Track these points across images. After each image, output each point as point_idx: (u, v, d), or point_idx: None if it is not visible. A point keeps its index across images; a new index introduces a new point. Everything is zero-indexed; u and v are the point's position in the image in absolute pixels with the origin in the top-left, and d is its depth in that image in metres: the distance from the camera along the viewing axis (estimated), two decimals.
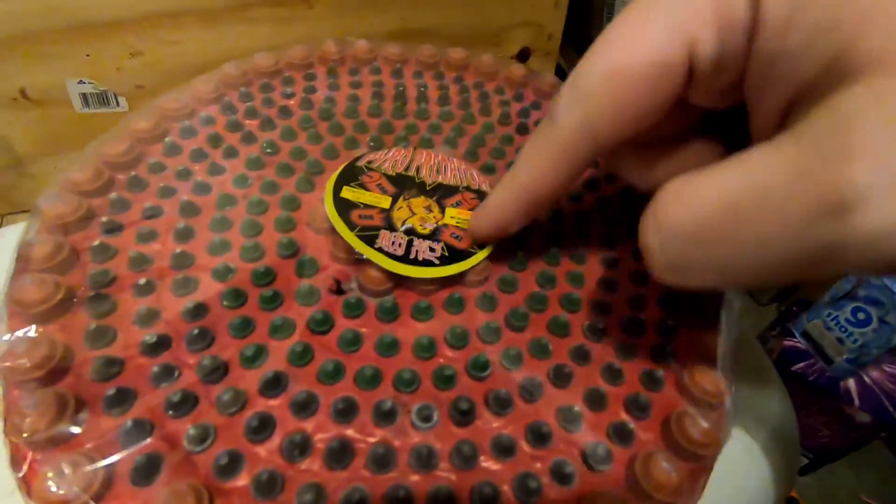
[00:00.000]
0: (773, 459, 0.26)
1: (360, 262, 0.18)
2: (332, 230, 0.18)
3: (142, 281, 0.16)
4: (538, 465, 0.14)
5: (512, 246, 0.19)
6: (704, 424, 0.15)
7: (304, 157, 0.22)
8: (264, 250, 0.18)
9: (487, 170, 0.22)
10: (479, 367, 0.16)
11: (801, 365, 0.50)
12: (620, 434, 0.15)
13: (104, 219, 0.18)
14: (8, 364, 0.13)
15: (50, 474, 0.12)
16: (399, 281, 0.18)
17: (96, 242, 0.17)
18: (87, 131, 0.41)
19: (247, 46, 0.38)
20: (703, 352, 0.17)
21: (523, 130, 0.25)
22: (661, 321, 0.18)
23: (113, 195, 0.18)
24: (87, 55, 0.40)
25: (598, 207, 0.22)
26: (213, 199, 0.19)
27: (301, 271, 0.18)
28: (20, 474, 0.12)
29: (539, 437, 0.15)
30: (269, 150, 0.21)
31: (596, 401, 0.16)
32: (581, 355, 0.17)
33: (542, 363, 0.17)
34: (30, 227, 0.16)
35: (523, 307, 0.18)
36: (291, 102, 0.24)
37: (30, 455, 0.12)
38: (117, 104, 0.42)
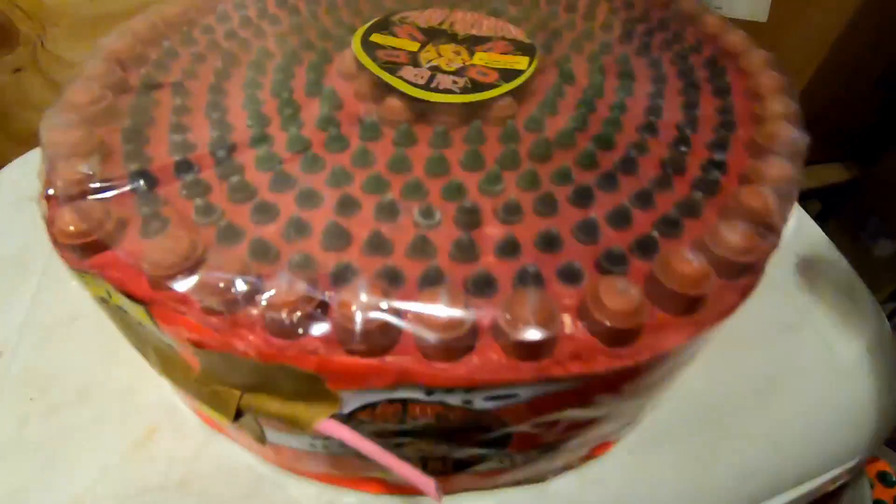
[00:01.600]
0: (868, 381, 0.22)
1: (381, 98, 0.17)
2: (359, 70, 0.18)
3: (178, 101, 0.17)
4: (543, 265, 0.13)
5: (543, 90, 0.18)
6: (743, 231, 0.13)
7: (343, 25, 0.22)
8: (292, 88, 0.18)
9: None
10: (491, 181, 0.15)
11: None
12: (644, 246, 0.13)
13: (155, 58, 0.19)
14: (55, 139, 0.15)
15: (74, 214, 0.13)
16: (420, 115, 0.17)
17: (145, 71, 0.18)
18: None
19: None
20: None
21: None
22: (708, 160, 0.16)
23: (165, 43, 0.20)
24: None
25: (645, 65, 0.20)
26: (253, 53, 0.20)
27: (324, 103, 0.18)
28: (45, 216, 0.13)
29: (548, 241, 0.13)
30: (311, 20, 0.22)
31: (621, 218, 0.14)
32: (608, 182, 0.15)
33: (564, 188, 0.15)
34: (92, 55, 0.18)
35: (550, 140, 0.16)
36: None
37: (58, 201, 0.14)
38: None
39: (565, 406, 0.13)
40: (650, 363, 0.12)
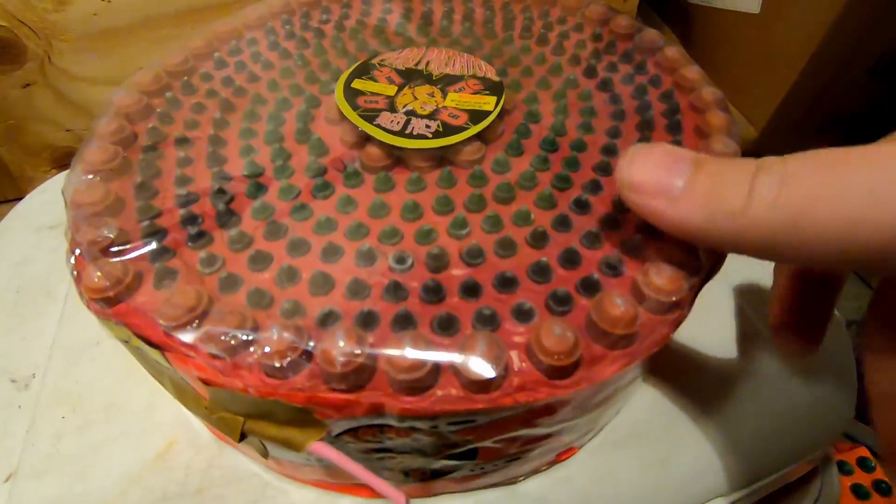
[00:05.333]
0: (827, 384, 0.24)
1: (363, 144, 0.19)
2: (342, 118, 0.20)
3: (181, 154, 0.19)
4: (499, 305, 0.15)
5: (510, 131, 0.20)
6: (669, 274, 0.15)
7: (329, 67, 0.24)
8: (283, 136, 0.20)
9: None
10: (457, 226, 0.17)
11: None
12: (587, 286, 0.15)
13: (160, 110, 0.21)
14: (77, 201, 0.17)
15: (98, 272, 0.15)
16: (397, 160, 0.19)
17: (151, 125, 0.20)
18: None
19: None
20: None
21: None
22: None
23: (168, 94, 0.22)
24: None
25: (607, 102, 0.22)
26: (248, 99, 0.22)
27: (311, 151, 0.20)
28: (74, 272, 0.16)
29: (504, 282, 0.15)
30: (299, 63, 0.24)
31: (570, 259, 0.16)
32: (562, 222, 0.17)
33: (523, 230, 0.17)
34: (104, 113, 0.20)
35: (512, 183, 0.18)
36: (326, 27, 0.26)
37: (84, 260, 0.16)
38: None
39: (519, 427, 0.15)
40: (588, 391, 0.14)
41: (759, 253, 0.12)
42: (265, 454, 0.17)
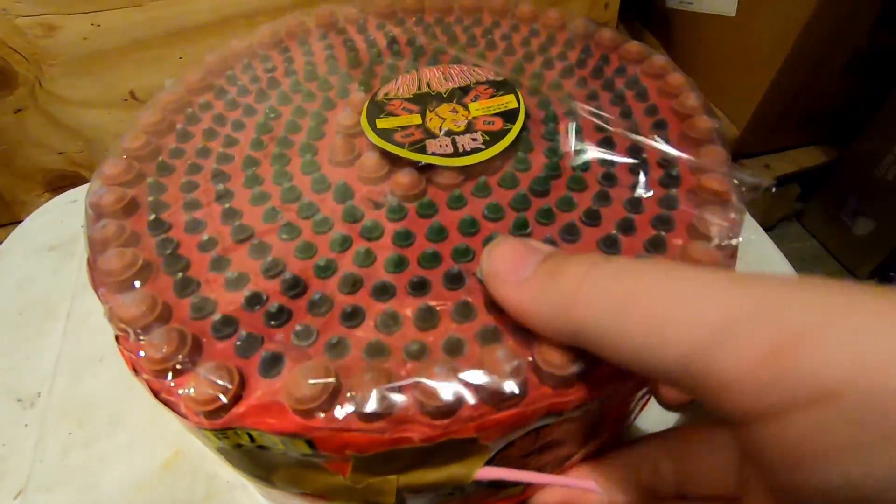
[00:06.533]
0: None
1: (387, 176, 0.19)
2: (355, 158, 0.20)
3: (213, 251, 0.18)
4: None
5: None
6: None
7: (306, 114, 0.23)
8: (300, 191, 0.20)
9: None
10: (519, 227, 0.18)
11: None
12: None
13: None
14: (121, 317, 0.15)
15: (194, 388, 0.14)
16: (428, 182, 0.19)
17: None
18: None
19: None
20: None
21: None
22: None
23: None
24: (181, 57, 0.47)
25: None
26: (239, 163, 0.21)
27: (340, 197, 0.19)
28: (163, 396, 0.14)
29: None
30: (272, 115, 0.23)
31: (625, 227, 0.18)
32: (604, 197, 0.19)
33: (570, 214, 0.19)
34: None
35: (542, 175, 0.20)
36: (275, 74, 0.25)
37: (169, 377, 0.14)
38: None
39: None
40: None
41: (589, 341, 0.12)
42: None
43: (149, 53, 0.46)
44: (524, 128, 0.22)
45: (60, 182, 0.52)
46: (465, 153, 0.19)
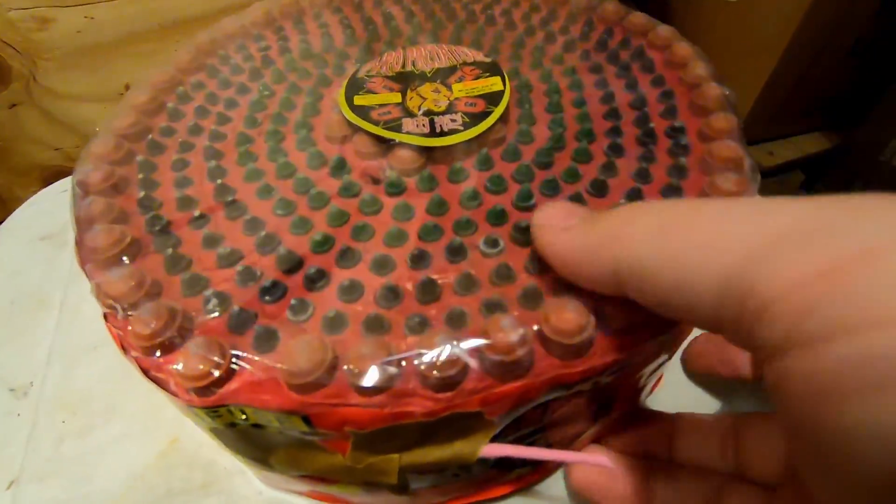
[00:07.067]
0: None
1: (385, 151, 0.19)
2: (352, 134, 0.19)
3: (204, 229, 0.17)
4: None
5: (520, 108, 0.20)
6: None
7: (300, 91, 0.22)
8: (295, 167, 0.19)
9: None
10: (524, 197, 0.17)
11: None
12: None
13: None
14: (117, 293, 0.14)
15: (183, 364, 0.13)
16: (428, 156, 0.19)
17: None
18: None
19: None
20: None
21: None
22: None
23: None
24: (176, 50, 0.45)
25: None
26: (233, 140, 0.20)
27: (336, 172, 0.19)
28: (157, 374, 0.13)
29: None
30: (266, 93, 0.22)
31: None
32: (608, 168, 0.18)
33: (575, 185, 0.18)
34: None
35: (546, 147, 0.19)
36: (270, 52, 0.25)
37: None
38: None
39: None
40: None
41: (628, 276, 0.12)
42: (406, 489, 0.16)
43: (144, 46, 0.45)
44: (525, 101, 0.21)
45: (57, 178, 0.51)
46: (443, 133, 0.18)
